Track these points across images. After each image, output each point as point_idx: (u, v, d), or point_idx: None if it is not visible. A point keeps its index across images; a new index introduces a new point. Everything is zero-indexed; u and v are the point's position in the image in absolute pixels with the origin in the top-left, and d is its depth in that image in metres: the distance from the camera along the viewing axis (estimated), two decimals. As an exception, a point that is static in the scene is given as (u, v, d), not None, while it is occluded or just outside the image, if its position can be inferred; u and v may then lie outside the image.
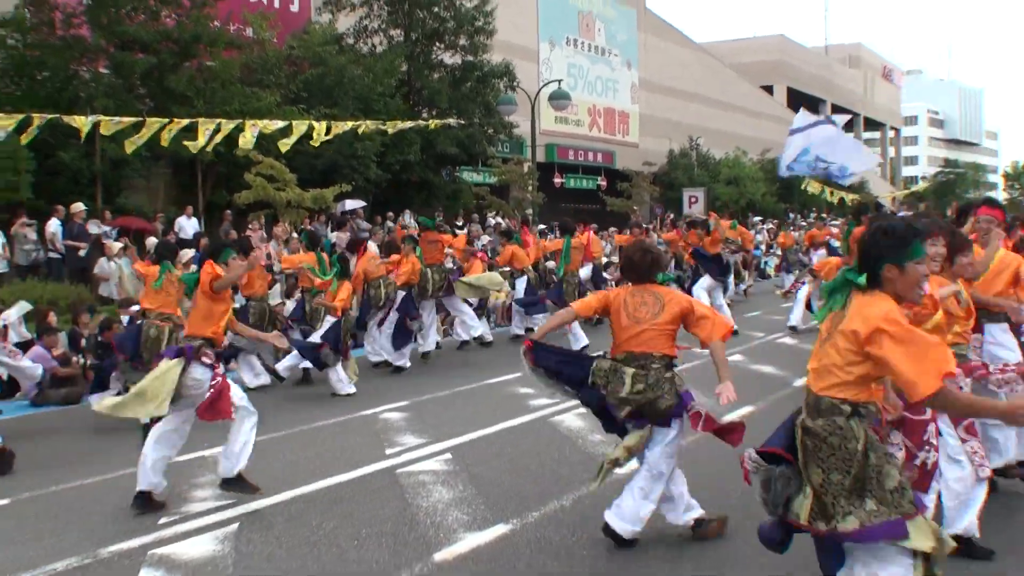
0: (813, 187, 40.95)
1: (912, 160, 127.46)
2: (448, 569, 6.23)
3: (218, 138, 16.71)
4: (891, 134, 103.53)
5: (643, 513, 6.30)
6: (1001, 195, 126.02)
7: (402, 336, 14.77)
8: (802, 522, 4.44)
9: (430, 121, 21.30)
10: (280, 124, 17.29)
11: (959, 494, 5.93)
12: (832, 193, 37.22)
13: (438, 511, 7.42)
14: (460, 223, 29.33)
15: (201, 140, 16.24)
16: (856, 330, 4.20)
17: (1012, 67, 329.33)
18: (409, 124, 19.55)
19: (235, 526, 7.16)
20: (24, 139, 15.30)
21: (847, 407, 4.33)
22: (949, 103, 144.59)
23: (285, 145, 17.40)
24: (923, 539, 4.17)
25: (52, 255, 18.78)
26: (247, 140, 16.20)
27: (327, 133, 17.58)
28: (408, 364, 14.78)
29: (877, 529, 4.21)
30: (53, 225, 18.91)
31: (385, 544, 6.70)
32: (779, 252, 29.34)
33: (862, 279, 4.33)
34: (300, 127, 17.15)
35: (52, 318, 14.20)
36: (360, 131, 18.91)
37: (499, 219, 30.43)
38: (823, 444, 4.36)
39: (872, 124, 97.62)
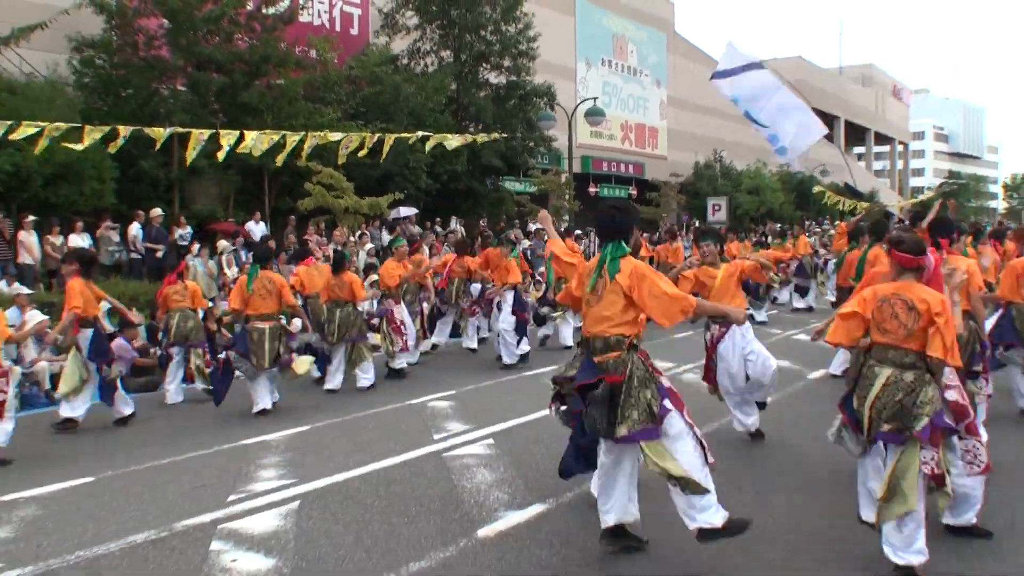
0: (829, 197, 40.57)
1: (919, 172, 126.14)
2: (490, 544, 6.20)
3: (286, 150, 16.62)
4: (900, 148, 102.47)
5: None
6: (1001, 205, 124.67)
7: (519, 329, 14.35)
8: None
9: (477, 135, 21.22)
10: (338, 136, 17.26)
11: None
12: (845, 203, 36.77)
13: (481, 491, 7.40)
14: (503, 226, 29.33)
15: (282, 156, 16.24)
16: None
17: (1012, 87, 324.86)
18: (459, 141, 19.39)
19: (296, 504, 7.17)
20: (112, 148, 15.39)
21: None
22: (954, 119, 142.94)
23: (343, 157, 17.42)
24: None
25: (133, 255, 18.97)
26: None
27: (381, 145, 17.47)
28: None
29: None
30: (134, 228, 19.11)
31: (433, 521, 6.68)
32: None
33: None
34: (356, 139, 17.12)
35: (135, 316, 14.32)
36: (426, 144, 18.61)
37: (538, 224, 30.33)
38: None
39: (882, 139, 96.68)
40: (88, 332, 10.56)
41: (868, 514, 5.63)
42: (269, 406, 11.05)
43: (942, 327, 5.27)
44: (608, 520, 5.86)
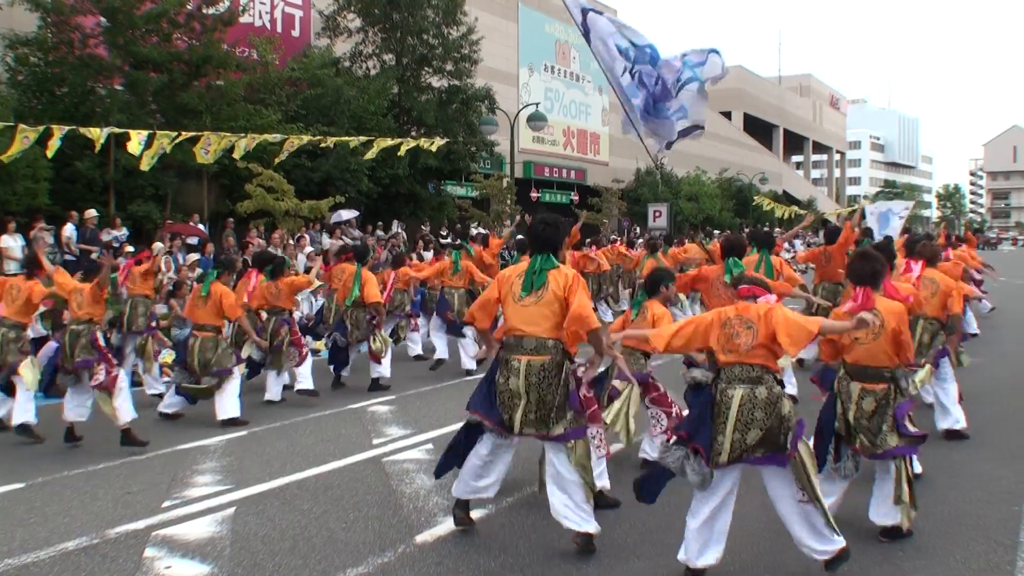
0: (765, 203, 41.13)
1: (856, 181, 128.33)
2: (429, 550, 6.21)
3: (220, 148, 16.48)
4: (837, 157, 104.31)
5: None
6: (934, 213, 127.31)
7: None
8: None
9: (419, 140, 21.15)
10: (278, 138, 17.19)
11: None
12: (777, 207, 37.35)
13: (420, 497, 7.39)
14: (445, 233, 29.29)
15: (212, 155, 16.14)
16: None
17: (945, 99, 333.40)
18: (406, 146, 19.40)
19: (232, 510, 7.10)
20: (49, 152, 15.19)
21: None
22: (889, 130, 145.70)
23: (282, 155, 17.38)
24: None
25: (67, 257, 18.63)
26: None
27: (323, 147, 17.47)
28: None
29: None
30: (68, 230, 18.78)
31: (371, 527, 6.67)
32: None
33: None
34: (296, 141, 17.07)
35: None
36: (374, 146, 18.49)
37: (480, 229, 30.40)
38: None
39: (820, 148, 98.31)
40: None
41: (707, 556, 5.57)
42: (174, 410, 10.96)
43: (785, 326, 5.45)
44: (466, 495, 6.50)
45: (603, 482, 6.91)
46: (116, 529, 6.69)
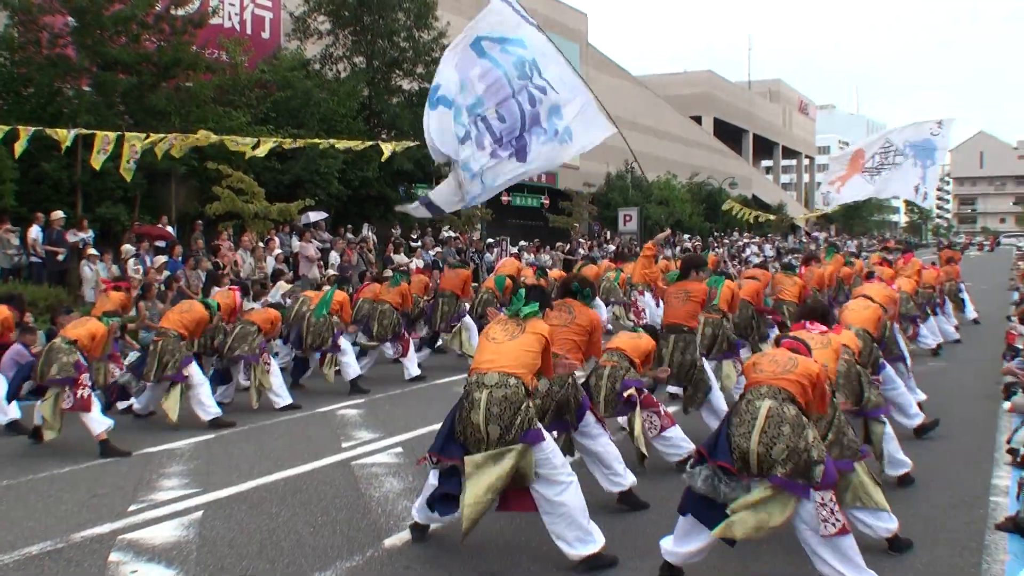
0: (731, 205, 41.21)
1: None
2: (397, 554, 6.20)
3: (185, 145, 16.53)
4: (806, 162, 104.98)
5: None
6: (902, 219, 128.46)
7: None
8: None
9: (390, 142, 21.05)
10: (248, 140, 17.13)
11: None
12: (749, 213, 37.43)
13: (389, 500, 7.38)
14: (415, 236, 29.21)
15: (176, 150, 16.18)
16: None
17: (912, 105, 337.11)
18: (387, 151, 19.37)
19: (199, 513, 7.06)
20: (17, 150, 15.16)
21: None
22: (857, 135, 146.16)
23: (248, 151, 17.36)
24: None
25: (34, 259, 18.44)
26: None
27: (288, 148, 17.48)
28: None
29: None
30: (34, 231, 18.56)
31: (339, 531, 6.65)
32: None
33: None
34: (266, 143, 17.06)
35: (28, 318, 13.87)
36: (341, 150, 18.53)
37: (450, 232, 30.38)
38: None
39: (789, 153, 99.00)
40: None
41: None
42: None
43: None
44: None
45: (629, 480, 6.99)
46: (81, 533, 6.63)
